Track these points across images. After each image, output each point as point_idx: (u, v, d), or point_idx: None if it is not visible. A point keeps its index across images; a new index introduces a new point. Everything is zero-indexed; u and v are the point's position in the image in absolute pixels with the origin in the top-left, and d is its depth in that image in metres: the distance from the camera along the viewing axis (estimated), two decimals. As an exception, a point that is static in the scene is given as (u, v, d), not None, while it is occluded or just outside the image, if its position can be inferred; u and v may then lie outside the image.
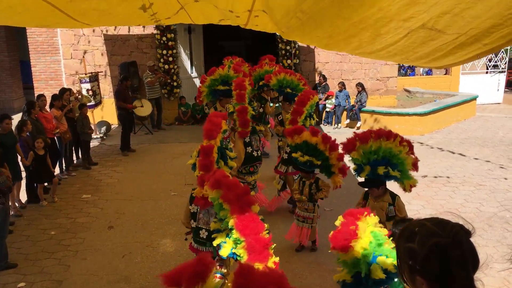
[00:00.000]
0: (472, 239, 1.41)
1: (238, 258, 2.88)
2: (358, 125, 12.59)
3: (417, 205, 7.47)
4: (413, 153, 4.53)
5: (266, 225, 2.89)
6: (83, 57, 12.48)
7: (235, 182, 3.08)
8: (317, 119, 8.27)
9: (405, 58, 3.19)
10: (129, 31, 12.95)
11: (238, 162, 6.37)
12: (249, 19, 3.74)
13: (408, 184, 4.46)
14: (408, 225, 1.47)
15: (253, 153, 6.78)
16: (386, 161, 4.32)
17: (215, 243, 3.14)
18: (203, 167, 3.84)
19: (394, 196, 4.55)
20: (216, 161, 4.14)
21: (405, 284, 1.50)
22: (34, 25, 7.08)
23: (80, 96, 10.44)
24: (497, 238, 6.20)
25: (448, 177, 8.76)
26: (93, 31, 12.85)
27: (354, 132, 4.66)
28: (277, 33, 12.66)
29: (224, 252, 2.98)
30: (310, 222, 5.73)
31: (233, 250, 2.93)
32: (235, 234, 2.87)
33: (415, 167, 4.48)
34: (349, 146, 4.43)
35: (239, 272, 1.83)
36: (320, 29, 2.90)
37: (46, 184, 7.85)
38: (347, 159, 4.78)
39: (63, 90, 9.39)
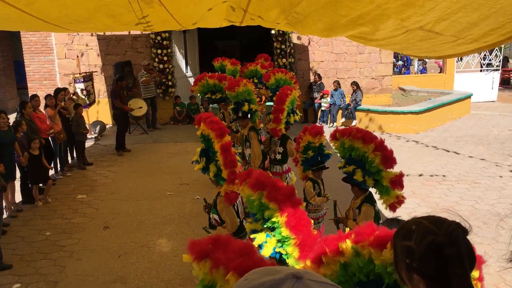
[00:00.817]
0: (468, 237, 1.41)
1: (284, 257, 2.86)
2: (353, 123, 12.61)
3: (413, 203, 7.49)
4: (390, 166, 4.06)
5: (312, 221, 2.92)
6: (78, 56, 12.42)
7: (278, 181, 3.07)
8: (301, 114, 8.06)
9: (405, 49, 3.21)
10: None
11: (257, 161, 6.31)
12: (244, 17, 3.75)
13: (385, 200, 4.15)
14: (405, 223, 1.47)
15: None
16: (361, 164, 4.26)
17: (255, 243, 3.08)
18: (229, 164, 3.95)
19: (364, 202, 4.36)
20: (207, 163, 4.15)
21: (402, 282, 1.50)
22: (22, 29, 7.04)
23: (75, 97, 10.39)
24: (492, 235, 6.23)
25: (443, 176, 8.79)
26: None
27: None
28: (272, 31, 12.72)
29: (267, 252, 2.96)
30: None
31: (278, 249, 2.91)
32: (283, 233, 2.84)
33: (392, 184, 4.04)
34: (333, 135, 4.42)
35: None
36: (320, 23, 2.91)
37: (41, 185, 7.81)
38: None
39: (58, 90, 9.35)
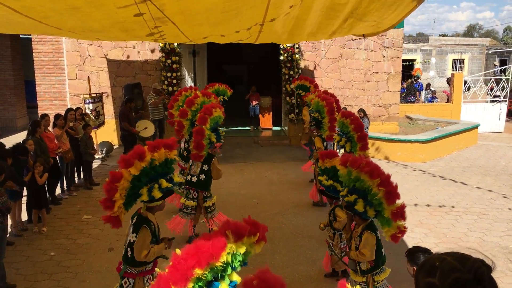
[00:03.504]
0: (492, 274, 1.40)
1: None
2: (360, 151, 12.58)
3: (420, 233, 7.42)
4: (393, 202, 4.09)
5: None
6: (88, 77, 12.57)
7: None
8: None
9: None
10: (132, 54, 13.10)
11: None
12: (259, 35, 3.87)
13: (387, 231, 4.15)
14: (428, 259, 1.46)
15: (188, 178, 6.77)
16: (363, 194, 4.24)
17: None
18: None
19: (365, 229, 4.43)
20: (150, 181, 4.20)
21: None
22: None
23: (87, 118, 10.47)
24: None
25: (452, 207, 8.71)
26: (100, 52, 13.00)
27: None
28: (281, 57, 12.88)
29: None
30: (331, 250, 5.65)
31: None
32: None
33: (394, 216, 4.06)
34: (343, 161, 4.42)
35: None
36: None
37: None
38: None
39: (69, 110, 9.43)
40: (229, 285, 2.73)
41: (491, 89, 17.57)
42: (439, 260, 1.41)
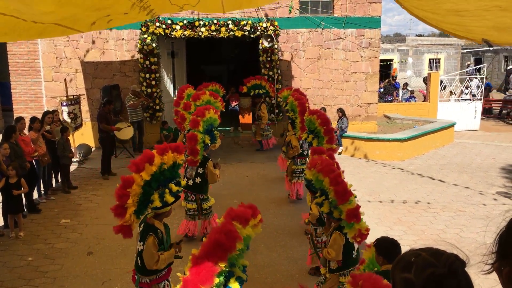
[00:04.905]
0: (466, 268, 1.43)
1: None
2: (339, 150, 12.70)
3: (399, 230, 7.52)
4: (344, 201, 4.11)
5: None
6: (65, 79, 12.38)
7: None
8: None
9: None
10: (109, 56, 12.95)
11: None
12: None
13: (349, 233, 4.18)
14: (404, 255, 1.48)
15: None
16: (325, 193, 4.30)
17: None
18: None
19: (336, 229, 4.47)
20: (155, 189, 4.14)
21: None
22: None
23: (64, 124, 10.26)
24: (479, 264, 6.25)
25: (428, 203, 8.86)
26: (76, 54, 12.82)
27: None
28: (260, 58, 12.92)
29: None
30: (311, 243, 5.66)
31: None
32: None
33: (348, 217, 4.08)
34: (310, 164, 4.50)
35: None
36: None
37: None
38: None
39: (46, 113, 9.26)
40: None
41: (467, 88, 17.91)
42: (414, 255, 1.43)
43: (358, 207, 4.13)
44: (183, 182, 6.65)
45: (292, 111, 8.33)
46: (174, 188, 4.23)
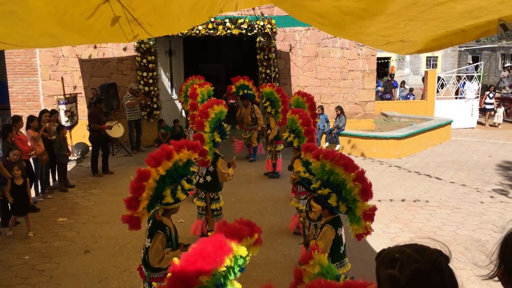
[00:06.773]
0: (450, 264, 1.44)
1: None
2: (337, 148, 12.71)
3: (395, 228, 7.54)
4: (367, 199, 4.11)
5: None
6: (62, 78, 12.36)
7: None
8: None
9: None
10: (107, 54, 12.94)
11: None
12: None
13: (355, 229, 4.19)
14: (388, 251, 1.50)
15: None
16: (337, 189, 4.27)
17: None
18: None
19: (327, 223, 4.46)
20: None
21: None
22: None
23: (59, 119, 10.27)
24: (474, 261, 6.28)
25: (426, 201, 8.88)
26: (73, 52, 12.81)
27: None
28: (258, 56, 12.92)
29: None
30: (304, 238, 5.69)
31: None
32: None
33: (365, 216, 4.09)
34: (315, 154, 4.40)
35: None
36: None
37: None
38: None
39: (44, 111, 9.25)
40: None
41: (463, 86, 17.95)
42: (398, 252, 1.45)
43: (375, 207, 4.16)
44: (195, 180, 6.66)
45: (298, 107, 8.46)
46: (187, 186, 4.23)
